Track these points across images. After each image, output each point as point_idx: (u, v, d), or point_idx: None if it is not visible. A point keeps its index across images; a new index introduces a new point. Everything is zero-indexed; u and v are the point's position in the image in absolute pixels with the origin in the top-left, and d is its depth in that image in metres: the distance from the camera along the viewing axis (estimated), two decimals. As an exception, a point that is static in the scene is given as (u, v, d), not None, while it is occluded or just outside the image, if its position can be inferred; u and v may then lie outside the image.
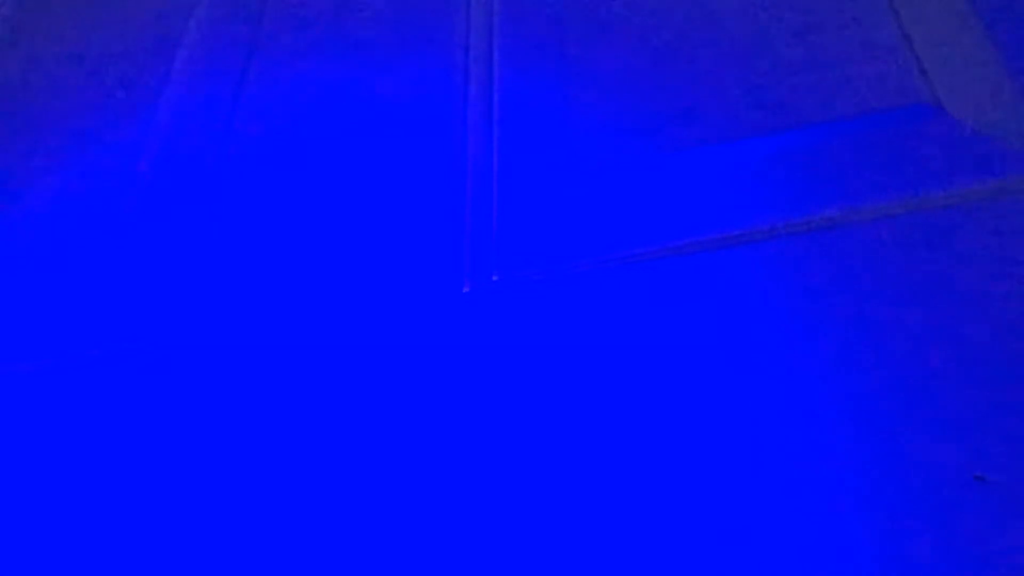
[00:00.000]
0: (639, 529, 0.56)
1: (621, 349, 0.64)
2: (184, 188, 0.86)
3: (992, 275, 0.60)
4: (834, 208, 0.66)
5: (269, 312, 0.74)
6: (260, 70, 0.94)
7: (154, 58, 0.99)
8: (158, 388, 0.72)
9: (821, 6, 0.77)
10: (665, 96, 0.77)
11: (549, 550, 0.57)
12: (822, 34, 0.76)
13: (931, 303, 0.60)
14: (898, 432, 0.55)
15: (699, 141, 0.73)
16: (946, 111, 0.68)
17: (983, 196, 0.63)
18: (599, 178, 0.74)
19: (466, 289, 0.70)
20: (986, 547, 0.51)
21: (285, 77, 0.92)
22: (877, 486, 0.54)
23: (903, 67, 0.71)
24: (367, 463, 0.64)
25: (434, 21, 0.91)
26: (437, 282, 0.71)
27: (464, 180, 0.77)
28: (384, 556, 0.59)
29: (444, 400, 0.65)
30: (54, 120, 0.98)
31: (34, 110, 1.00)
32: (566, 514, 0.58)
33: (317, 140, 0.85)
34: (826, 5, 0.77)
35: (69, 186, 0.90)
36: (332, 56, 0.92)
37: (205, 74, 0.96)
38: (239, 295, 0.76)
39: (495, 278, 0.70)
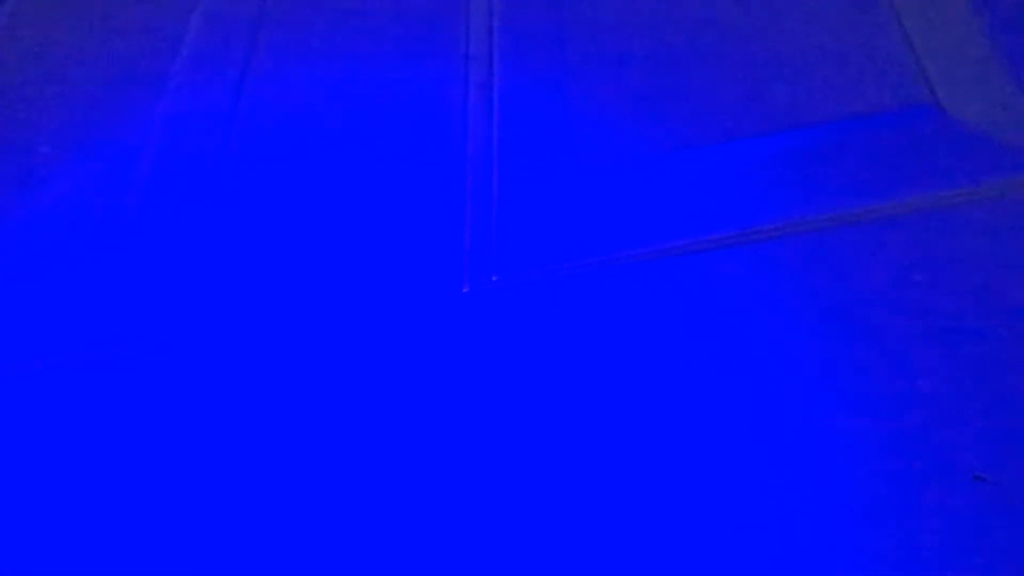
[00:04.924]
0: (639, 528, 0.56)
1: (621, 349, 0.64)
2: (184, 188, 0.86)
3: (992, 275, 0.60)
4: (834, 208, 0.66)
5: (269, 312, 0.74)
6: (260, 70, 0.94)
7: (154, 58, 0.99)
8: (159, 388, 0.72)
9: (822, 6, 0.77)
10: (665, 96, 0.77)
11: (548, 548, 0.57)
12: (822, 34, 0.76)
13: (931, 303, 0.60)
14: (898, 432, 0.55)
15: (699, 141, 0.73)
16: (946, 111, 0.68)
17: (983, 196, 0.63)
18: (599, 178, 0.74)
19: (466, 289, 0.70)
20: (986, 547, 0.51)
21: (285, 77, 0.92)
22: (877, 486, 0.54)
23: (903, 67, 0.71)
24: (367, 463, 0.64)
25: (434, 22, 0.91)
26: (437, 282, 0.71)
27: (464, 181, 0.77)
28: (384, 555, 0.59)
29: (444, 400, 0.65)
30: (54, 120, 0.98)
31: (34, 110, 1.00)
32: (565, 513, 0.58)
33: (317, 140, 0.85)
34: (826, 5, 0.77)
35: (69, 186, 0.90)
36: (332, 56, 0.92)
37: (205, 74, 0.96)
38: (239, 295, 0.77)
39: (495, 278, 0.70)
